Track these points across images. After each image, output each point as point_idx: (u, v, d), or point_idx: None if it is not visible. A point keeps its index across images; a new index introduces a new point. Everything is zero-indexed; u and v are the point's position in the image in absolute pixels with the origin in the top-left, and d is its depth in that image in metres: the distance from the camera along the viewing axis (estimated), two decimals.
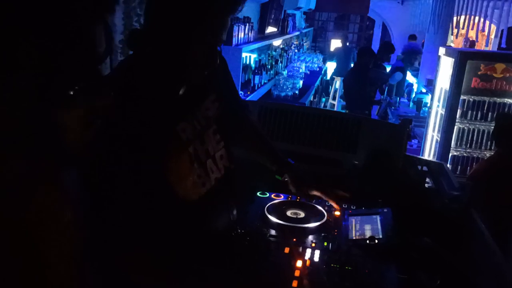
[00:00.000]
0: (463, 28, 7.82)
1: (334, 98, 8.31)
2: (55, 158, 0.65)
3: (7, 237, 0.60)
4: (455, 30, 7.58)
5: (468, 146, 4.15)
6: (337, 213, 1.58)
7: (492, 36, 6.01)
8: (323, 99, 8.74)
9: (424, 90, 6.87)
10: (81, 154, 0.65)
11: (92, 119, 0.63)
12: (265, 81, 5.14)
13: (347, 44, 8.98)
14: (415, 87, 7.53)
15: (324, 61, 9.35)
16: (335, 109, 8.09)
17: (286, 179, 1.53)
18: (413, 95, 7.16)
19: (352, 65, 7.42)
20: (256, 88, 4.75)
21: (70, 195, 0.74)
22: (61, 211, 0.71)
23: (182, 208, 1.13)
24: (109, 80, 0.98)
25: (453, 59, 4.12)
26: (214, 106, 1.28)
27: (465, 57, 4.02)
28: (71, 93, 0.57)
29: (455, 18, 7.26)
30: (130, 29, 1.92)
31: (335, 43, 10.22)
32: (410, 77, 7.79)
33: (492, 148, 4.08)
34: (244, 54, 4.33)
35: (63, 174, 0.72)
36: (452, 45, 8.09)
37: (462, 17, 7.21)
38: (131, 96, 1.02)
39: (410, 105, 6.86)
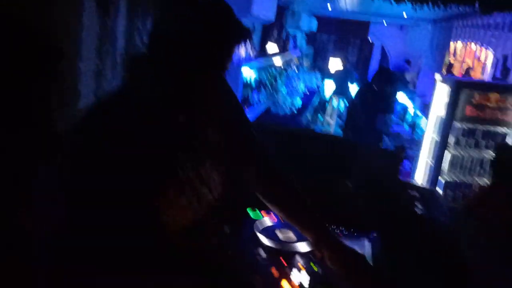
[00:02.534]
0: (459, 55, 7.92)
1: (331, 116, 8.37)
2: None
3: None
4: (452, 57, 7.67)
5: (460, 173, 4.20)
6: None
7: (488, 63, 6.10)
8: (321, 118, 8.79)
9: (419, 114, 6.94)
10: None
11: None
12: (264, 100, 5.19)
13: (347, 66, 9.10)
14: (410, 110, 7.60)
15: (323, 80, 9.44)
16: (332, 127, 8.15)
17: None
18: (409, 117, 7.23)
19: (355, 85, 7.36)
20: (254, 104, 4.80)
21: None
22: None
23: (167, 232, 1.12)
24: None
25: (449, 87, 4.19)
26: (216, 133, 1.23)
27: (460, 86, 4.09)
28: None
29: (452, 45, 7.36)
30: (132, 52, 1.95)
31: (334, 62, 10.32)
32: (405, 100, 7.85)
33: (484, 176, 4.14)
34: (244, 72, 4.38)
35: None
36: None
37: (459, 43, 7.31)
38: (126, 117, 1.04)
39: (406, 128, 6.93)
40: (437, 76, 4.68)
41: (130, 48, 2.09)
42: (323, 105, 9.07)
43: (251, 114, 4.45)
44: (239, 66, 4.10)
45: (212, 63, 1.10)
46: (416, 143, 5.59)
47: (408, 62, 8.63)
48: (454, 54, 7.48)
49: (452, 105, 4.09)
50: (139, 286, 1.11)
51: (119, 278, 1.07)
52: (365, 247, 1.50)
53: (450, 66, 6.98)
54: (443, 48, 7.29)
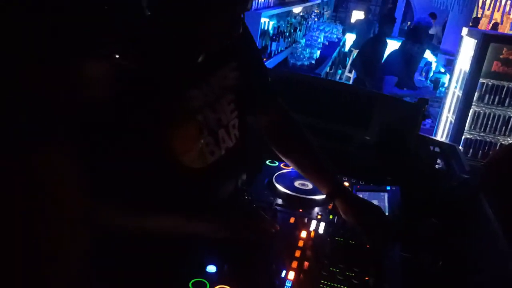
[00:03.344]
0: (488, 9, 7.60)
1: (350, 71, 8.21)
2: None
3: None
4: (480, 11, 7.37)
5: (482, 130, 4.10)
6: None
7: None
8: (339, 71, 8.63)
9: (442, 70, 6.75)
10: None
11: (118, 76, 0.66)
12: (282, 49, 5.07)
13: (370, 17, 8.77)
14: (433, 66, 7.40)
15: (344, 32, 9.18)
16: (351, 81, 8.02)
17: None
18: (431, 74, 7.05)
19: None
20: (272, 54, 4.69)
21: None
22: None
23: (186, 174, 1.11)
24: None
25: (476, 41, 4.03)
26: (234, 75, 1.22)
27: (488, 40, 3.92)
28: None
29: None
30: None
31: (357, 14, 10.00)
32: (429, 55, 7.64)
33: (507, 134, 4.04)
34: (262, 19, 4.26)
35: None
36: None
37: None
38: (144, 59, 1.00)
39: (428, 84, 6.76)
40: (464, 30, 4.50)
41: None
42: (342, 58, 8.89)
43: (268, 64, 4.36)
44: (258, 13, 3.98)
45: (236, 6, 1.03)
46: (437, 100, 5.46)
47: (433, 15, 8.30)
48: (483, 8, 7.18)
49: (478, 60, 3.94)
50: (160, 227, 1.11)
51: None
52: (383, 201, 1.48)
53: (477, 20, 6.70)
54: (471, 1, 6.99)
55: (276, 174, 1.55)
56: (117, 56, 0.73)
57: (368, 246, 1.25)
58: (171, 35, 1.04)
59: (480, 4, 7.29)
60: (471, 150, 4.15)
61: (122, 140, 0.99)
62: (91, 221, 0.91)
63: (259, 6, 4.20)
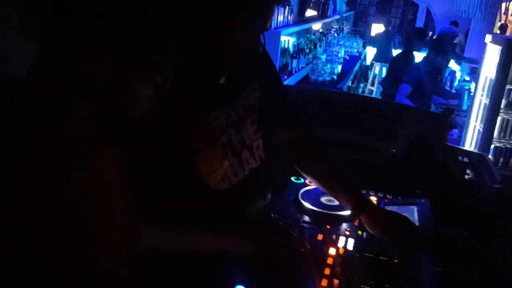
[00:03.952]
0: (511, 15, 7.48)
1: (372, 84, 8.16)
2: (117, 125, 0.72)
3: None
4: (503, 17, 7.26)
5: (511, 138, 4.00)
6: (373, 201, 1.56)
7: None
8: (362, 85, 8.59)
9: (467, 78, 6.64)
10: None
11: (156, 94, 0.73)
12: (303, 65, 5.08)
13: (390, 29, 8.72)
14: (458, 74, 7.29)
15: (364, 46, 9.16)
16: (373, 95, 7.96)
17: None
18: (456, 83, 6.94)
19: (395, 50, 7.17)
20: (293, 72, 4.71)
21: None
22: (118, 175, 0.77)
23: (212, 195, 1.12)
24: None
25: (500, 47, 3.96)
26: (256, 95, 1.23)
27: None
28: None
29: (503, 5, 6.95)
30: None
31: (376, 28, 9.97)
32: (453, 65, 7.55)
33: None
34: (282, 38, 4.29)
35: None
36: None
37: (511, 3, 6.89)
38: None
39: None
40: (488, 37, 4.43)
41: None
42: (364, 71, 8.84)
43: (289, 81, 4.37)
44: (277, 32, 4.01)
45: (251, 20, 1.04)
46: (462, 108, 5.37)
47: (455, 23, 8.21)
48: (506, 14, 7.07)
49: (504, 66, 3.86)
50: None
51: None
52: (413, 214, 1.45)
53: (504, 27, 6.59)
54: (494, 8, 6.89)
55: (302, 190, 1.55)
56: (161, 77, 0.77)
57: (396, 260, 1.22)
58: (193, 55, 1.06)
59: (503, 10, 7.18)
60: (501, 159, 4.04)
61: (150, 160, 1.01)
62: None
63: (278, 24, 4.24)
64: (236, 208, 1.20)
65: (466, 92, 5.69)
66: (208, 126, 1.10)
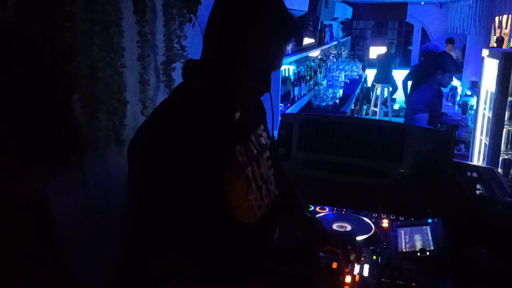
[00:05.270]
0: (506, 28, 7.54)
1: (375, 105, 8.21)
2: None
3: None
4: (497, 30, 7.32)
5: None
6: (385, 224, 1.55)
7: None
8: (365, 107, 8.62)
9: (469, 93, 6.65)
10: None
11: None
12: (305, 92, 5.13)
13: (392, 51, 8.82)
14: (459, 90, 7.31)
15: (364, 69, 9.24)
16: (377, 116, 7.98)
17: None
18: (458, 98, 6.95)
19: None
20: (296, 99, 4.74)
21: None
22: None
23: (238, 231, 1.13)
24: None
25: (498, 61, 3.98)
26: (264, 135, 1.28)
27: (510, 58, 3.88)
28: None
29: (497, 18, 7.02)
30: (185, 60, 1.95)
31: (375, 50, 10.08)
32: (453, 80, 7.57)
33: None
34: (283, 67, 4.34)
35: None
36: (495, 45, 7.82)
37: (505, 16, 6.95)
38: (189, 123, 1.04)
39: (456, 109, 6.66)
40: (485, 52, 4.47)
41: (169, 52, 2.09)
42: (366, 93, 8.89)
43: (292, 109, 4.40)
44: None
45: (265, 61, 1.07)
46: (468, 123, 5.35)
47: (450, 40, 8.28)
48: (500, 27, 7.13)
49: (503, 79, 3.88)
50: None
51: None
52: (426, 235, 1.44)
53: (500, 40, 6.64)
54: (488, 22, 6.95)
55: None
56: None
57: (414, 284, 1.21)
58: (212, 94, 1.09)
59: (497, 24, 7.24)
60: (511, 171, 4.02)
61: (183, 196, 1.03)
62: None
63: None
64: (261, 242, 1.21)
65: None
66: (234, 160, 1.12)
